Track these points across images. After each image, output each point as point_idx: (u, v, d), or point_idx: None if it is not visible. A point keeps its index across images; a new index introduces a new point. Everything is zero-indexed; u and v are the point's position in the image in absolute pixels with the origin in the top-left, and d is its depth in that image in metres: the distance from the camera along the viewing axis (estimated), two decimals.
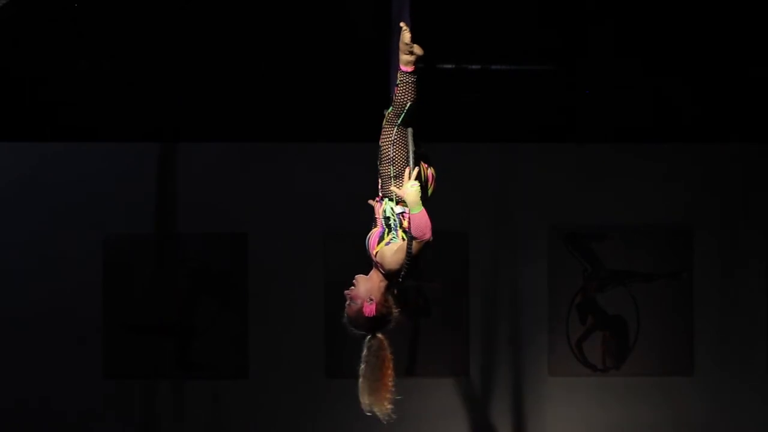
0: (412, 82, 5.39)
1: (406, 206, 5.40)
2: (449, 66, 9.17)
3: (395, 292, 5.48)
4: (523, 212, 9.45)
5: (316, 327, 9.36)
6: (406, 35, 5.38)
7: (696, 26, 9.00)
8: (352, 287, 5.42)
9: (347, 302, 5.40)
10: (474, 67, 9.30)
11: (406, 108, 5.40)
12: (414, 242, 5.25)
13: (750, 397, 9.44)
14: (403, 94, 5.39)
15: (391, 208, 5.47)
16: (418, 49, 5.38)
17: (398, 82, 5.40)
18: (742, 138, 9.49)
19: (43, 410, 9.26)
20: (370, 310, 5.37)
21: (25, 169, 9.35)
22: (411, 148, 5.41)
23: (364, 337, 5.42)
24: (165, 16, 8.79)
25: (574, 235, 9.51)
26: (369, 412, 5.44)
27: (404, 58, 5.39)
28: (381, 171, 5.50)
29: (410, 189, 5.32)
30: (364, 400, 5.40)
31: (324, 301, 9.37)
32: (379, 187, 5.55)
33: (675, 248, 9.52)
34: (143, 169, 9.39)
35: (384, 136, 5.49)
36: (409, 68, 5.39)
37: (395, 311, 5.43)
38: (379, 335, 5.40)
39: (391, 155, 5.46)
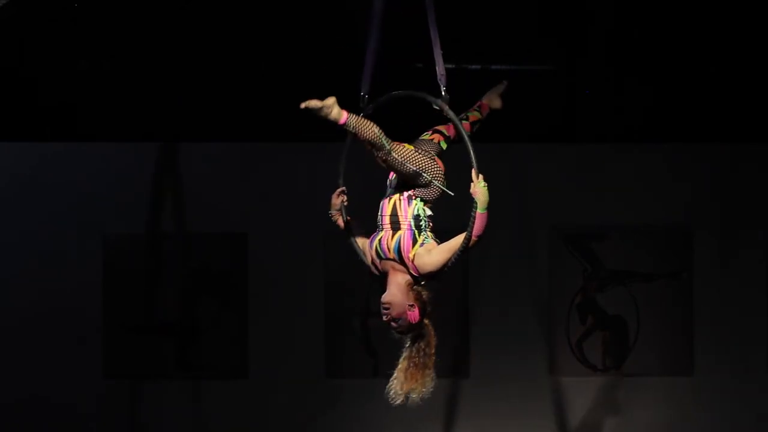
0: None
1: (429, 208, 5.37)
2: (449, 66, 9.16)
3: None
4: (523, 212, 9.45)
5: (316, 327, 9.36)
6: (312, 103, 5.21)
7: (696, 26, 9.00)
8: (388, 309, 5.31)
9: (395, 326, 5.32)
10: (474, 67, 9.30)
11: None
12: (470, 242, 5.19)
13: (750, 397, 9.44)
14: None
15: (422, 209, 5.41)
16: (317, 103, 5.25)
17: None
18: (742, 138, 9.48)
19: (43, 410, 9.26)
20: (415, 316, 5.34)
21: (25, 169, 9.35)
22: (464, 134, 5.33)
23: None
24: (165, 16, 8.79)
25: (574, 235, 9.51)
26: (399, 397, 5.36)
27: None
28: (423, 167, 5.44)
29: (483, 188, 5.24)
30: (408, 386, 5.37)
31: (324, 301, 9.37)
32: (405, 183, 5.45)
33: (675, 248, 9.52)
34: (143, 169, 9.39)
35: (391, 164, 5.39)
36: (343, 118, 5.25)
37: (426, 296, 5.38)
38: (425, 321, 5.40)
39: (420, 163, 5.40)
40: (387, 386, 5.41)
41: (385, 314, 5.36)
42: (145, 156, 9.39)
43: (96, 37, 8.90)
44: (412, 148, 5.44)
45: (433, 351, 5.44)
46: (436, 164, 5.45)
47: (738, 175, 9.53)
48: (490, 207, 5.25)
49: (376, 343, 9.30)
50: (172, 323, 9.39)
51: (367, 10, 5.74)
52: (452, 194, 5.40)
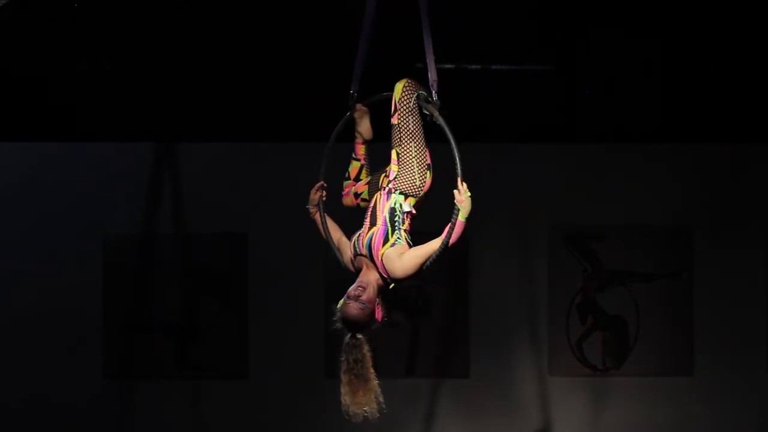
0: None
1: (412, 203, 5.34)
2: (449, 66, 9.18)
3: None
4: (523, 212, 9.45)
5: (316, 327, 9.36)
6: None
7: (696, 26, 9.00)
8: (364, 289, 5.23)
9: (358, 305, 5.21)
10: (474, 67, 9.30)
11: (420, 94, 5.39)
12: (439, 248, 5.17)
13: (750, 397, 9.44)
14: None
15: (400, 204, 5.36)
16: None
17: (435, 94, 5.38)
18: (742, 138, 9.49)
19: (43, 410, 9.26)
20: (379, 313, 5.27)
21: (25, 169, 9.35)
22: (452, 140, 5.32)
23: (347, 335, 5.29)
24: (165, 17, 8.79)
25: (574, 235, 9.51)
26: (357, 414, 5.31)
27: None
28: (400, 152, 5.40)
29: (468, 198, 5.23)
30: (358, 400, 5.25)
31: (324, 301, 9.35)
32: (389, 177, 5.41)
33: (675, 248, 9.52)
34: (143, 169, 9.39)
35: (404, 100, 5.41)
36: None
37: (383, 315, 5.32)
38: (359, 335, 5.29)
39: (411, 128, 5.38)
40: (342, 408, 5.33)
41: (355, 290, 5.22)
42: (145, 156, 9.39)
43: (96, 37, 8.90)
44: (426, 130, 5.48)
45: (369, 365, 5.27)
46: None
47: (738, 175, 9.52)
48: (471, 216, 5.25)
49: (375, 343, 9.29)
50: (172, 323, 9.39)
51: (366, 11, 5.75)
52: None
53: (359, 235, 5.37)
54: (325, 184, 5.67)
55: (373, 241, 5.26)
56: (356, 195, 5.62)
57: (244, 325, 9.40)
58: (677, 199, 9.51)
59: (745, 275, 9.49)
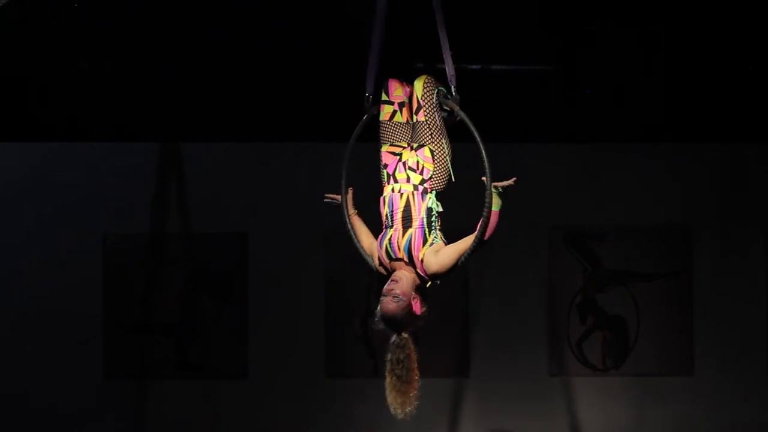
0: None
1: (439, 204, 5.35)
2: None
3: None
4: (523, 212, 9.45)
5: (316, 327, 9.37)
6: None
7: (696, 26, 9.00)
8: (397, 282, 5.22)
9: (393, 300, 5.19)
10: (474, 67, 9.30)
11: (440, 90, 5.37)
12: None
13: (750, 397, 9.44)
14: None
15: (437, 204, 5.37)
16: None
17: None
18: (742, 138, 9.49)
19: (42, 410, 9.26)
20: (417, 306, 5.25)
21: (25, 169, 9.35)
22: (477, 135, 5.32)
23: (393, 335, 5.30)
24: (165, 16, 8.79)
25: (574, 235, 9.51)
26: (398, 413, 5.31)
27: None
28: (435, 150, 5.39)
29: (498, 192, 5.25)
30: (398, 400, 5.25)
31: (324, 301, 9.37)
32: (423, 176, 5.38)
33: (675, 248, 9.52)
34: (143, 169, 9.39)
35: (427, 96, 5.41)
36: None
37: (425, 309, 5.33)
38: (405, 333, 5.28)
39: (439, 124, 5.39)
40: (389, 405, 5.33)
41: (389, 285, 5.20)
42: (146, 156, 9.39)
43: (96, 38, 8.90)
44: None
45: (413, 366, 5.28)
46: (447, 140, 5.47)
47: (738, 175, 9.53)
48: (501, 208, 5.28)
49: (376, 343, 9.31)
50: (172, 323, 9.40)
51: (368, 11, 5.74)
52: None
53: (390, 238, 5.34)
54: (353, 190, 5.65)
55: (412, 244, 5.26)
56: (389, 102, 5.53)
57: (244, 325, 9.40)
58: (677, 199, 9.51)
59: (745, 275, 9.49)
